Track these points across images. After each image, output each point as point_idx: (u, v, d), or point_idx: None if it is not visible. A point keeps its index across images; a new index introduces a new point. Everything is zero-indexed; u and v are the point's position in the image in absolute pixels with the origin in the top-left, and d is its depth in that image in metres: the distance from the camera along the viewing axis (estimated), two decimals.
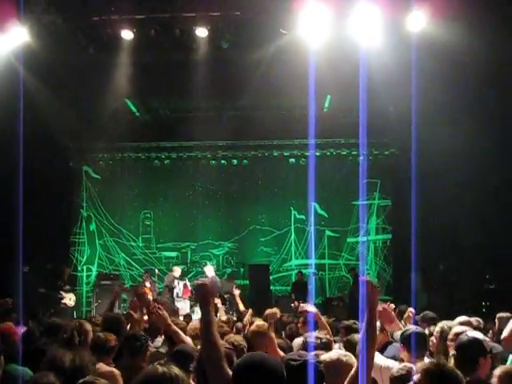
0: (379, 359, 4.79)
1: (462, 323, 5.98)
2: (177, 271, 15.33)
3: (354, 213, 17.66)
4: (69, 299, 14.43)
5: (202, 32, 12.39)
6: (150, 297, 14.65)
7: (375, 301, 3.58)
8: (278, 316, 6.58)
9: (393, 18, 11.31)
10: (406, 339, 4.71)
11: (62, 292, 14.41)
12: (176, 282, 15.02)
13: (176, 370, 2.45)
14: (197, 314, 12.28)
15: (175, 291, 14.71)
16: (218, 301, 11.59)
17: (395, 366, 4.41)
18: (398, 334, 5.41)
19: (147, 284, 15.03)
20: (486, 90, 12.30)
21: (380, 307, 5.30)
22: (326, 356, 3.87)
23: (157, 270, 16.73)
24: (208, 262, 16.96)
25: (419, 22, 11.24)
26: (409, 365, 4.26)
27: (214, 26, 12.18)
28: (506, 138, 12.87)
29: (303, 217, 17.98)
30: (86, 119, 16.63)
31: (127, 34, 12.43)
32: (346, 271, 17.31)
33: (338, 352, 3.95)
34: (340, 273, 17.64)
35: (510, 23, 11.01)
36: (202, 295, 3.42)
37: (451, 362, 4.26)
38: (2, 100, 11.71)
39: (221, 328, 5.95)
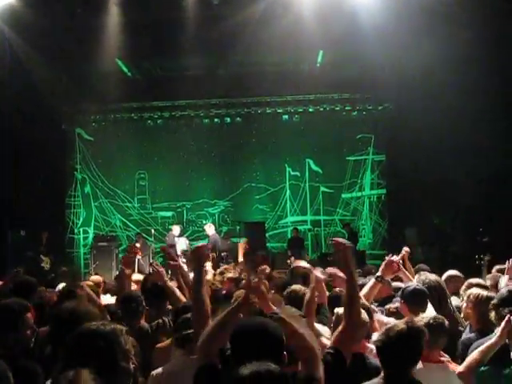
0: (381, 316, 4.86)
1: (452, 276, 6.05)
2: (176, 230, 15.57)
3: (349, 168, 17.69)
4: (46, 263, 14.63)
5: None
6: (139, 256, 14.90)
7: (348, 260, 3.39)
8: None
9: None
10: (405, 295, 4.73)
11: (41, 256, 14.64)
12: (176, 239, 15.21)
13: (112, 324, 2.44)
14: None
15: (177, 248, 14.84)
16: (208, 263, 11.70)
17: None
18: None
19: (137, 245, 15.22)
20: (477, 42, 12.15)
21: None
22: (340, 309, 3.93)
23: (153, 230, 16.82)
24: (205, 221, 17.06)
25: None
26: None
27: None
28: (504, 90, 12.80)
29: (298, 173, 17.98)
30: (76, 81, 16.41)
31: None
32: (341, 227, 17.39)
33: None
34: (335, 228, 17.73)
35: None
36: (197, 257, 3.64)
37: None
38: None
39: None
